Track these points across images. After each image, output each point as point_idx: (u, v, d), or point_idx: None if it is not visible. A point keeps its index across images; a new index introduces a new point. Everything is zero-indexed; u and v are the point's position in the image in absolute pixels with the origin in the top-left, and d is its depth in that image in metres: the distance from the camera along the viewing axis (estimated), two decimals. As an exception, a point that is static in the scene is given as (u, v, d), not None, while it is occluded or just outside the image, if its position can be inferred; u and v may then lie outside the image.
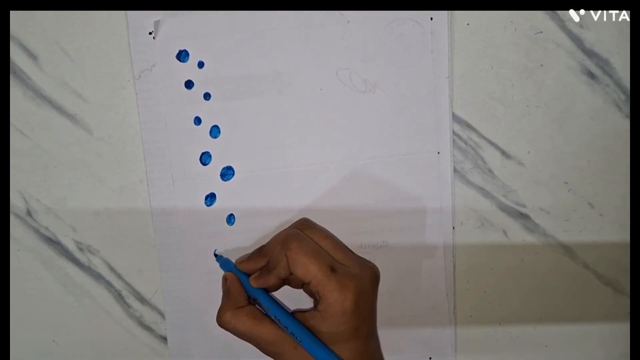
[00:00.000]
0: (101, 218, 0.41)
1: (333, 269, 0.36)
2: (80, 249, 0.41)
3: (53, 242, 0.41)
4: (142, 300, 0.42)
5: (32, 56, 0.39)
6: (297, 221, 0.39)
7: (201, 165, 0.40)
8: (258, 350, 0.37)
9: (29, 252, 0.41)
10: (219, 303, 0.38)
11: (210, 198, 0.41)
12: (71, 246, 0.41)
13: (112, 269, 0.42)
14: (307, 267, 0.35)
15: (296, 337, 0.35)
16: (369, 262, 0.39)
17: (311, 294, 0.39)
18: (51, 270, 0.42)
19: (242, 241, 0.41)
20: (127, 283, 0.42)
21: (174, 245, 0.41)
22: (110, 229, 0.41)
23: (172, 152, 0.40)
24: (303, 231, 0.38)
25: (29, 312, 0.42)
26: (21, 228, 0.41)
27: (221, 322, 0.37)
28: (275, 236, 0.39)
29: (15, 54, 0.38)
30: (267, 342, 0.36)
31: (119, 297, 0.42)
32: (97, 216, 0.41)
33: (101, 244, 0.41)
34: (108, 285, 0.42)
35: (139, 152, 0.40)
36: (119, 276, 0.42)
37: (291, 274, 0.36)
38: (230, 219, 0.41)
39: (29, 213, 0.41)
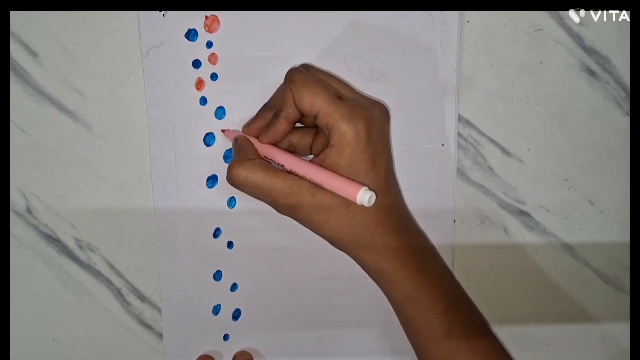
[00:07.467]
0: (101, 215, 0.41)
1: (340, 98, 0.33)
2: (80, 247, 0.41)
3: (53, 240, 0.41)
4: (141, 298, 0.42)
5: (32, 53, 0.39)
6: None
7: (205, 146, 0.40)
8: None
9: (28, 249, 0.41)
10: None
11: (212, 180, 0.40)
12: (71, 243, 0.41)
13: (111, 266, 0.42)
14: (313, 97, 0.33)
15: (316, 181, 0.34)
16: (378, 100, 0.36)
17: (322, 130, 0.36)
18: (51, 267, 0.41)
19: (242, 224, 0.41)
20: (126, 281, 0.42)
21: (173, 225, 0.41)
22: (110, 227, 0.41)
23: (176, 131, 0.39)
24: (306, 70, 0.36)
25: (29, 309, 0.42)
26: (21, 225, 0.41)
27: (233, 175, 0.35)
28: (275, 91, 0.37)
29: (16, 51, 0.38)
30: (283, 194, 0.34)
31: (119, 294, 0.42)
32: (97, 213, 0.41)
33: (101, 241, 0.41)
34: (108, 282, 0.42)
35: (139, 149, 0.40)
36: (119, 274, 0.42)
37: (300, 114, 0.34)
38: (232, 201, 0.41)
39: (28, 210, 0.41)
